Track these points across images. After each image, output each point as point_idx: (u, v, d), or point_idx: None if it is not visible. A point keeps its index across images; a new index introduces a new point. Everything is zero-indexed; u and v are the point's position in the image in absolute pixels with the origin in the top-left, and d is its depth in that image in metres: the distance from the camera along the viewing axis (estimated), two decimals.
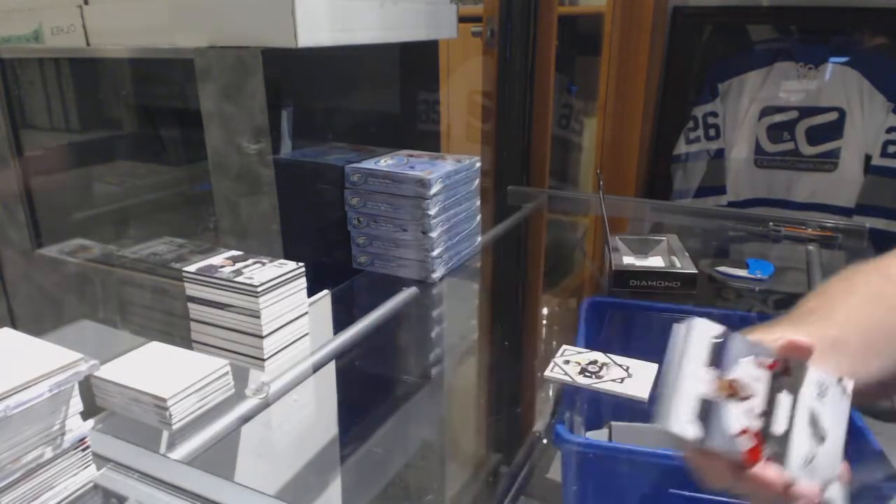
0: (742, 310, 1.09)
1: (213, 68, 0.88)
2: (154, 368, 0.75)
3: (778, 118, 1.67)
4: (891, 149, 1.56)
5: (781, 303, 1.13)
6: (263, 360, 0.77)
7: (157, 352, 0.80)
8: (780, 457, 0.38)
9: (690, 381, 0.37)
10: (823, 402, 0.40)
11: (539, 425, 1.32)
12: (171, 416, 0.70)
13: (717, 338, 0.38)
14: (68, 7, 0.89)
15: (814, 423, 0.40)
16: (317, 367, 0.83)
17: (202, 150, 0.94)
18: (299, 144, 1.01)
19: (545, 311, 1.48)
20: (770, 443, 0.38)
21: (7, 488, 0.54)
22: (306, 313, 0.82)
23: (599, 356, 0.83)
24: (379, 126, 1.23)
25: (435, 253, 0.95)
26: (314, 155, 1.02)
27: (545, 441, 1.22)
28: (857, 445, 0.62)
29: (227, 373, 0.77)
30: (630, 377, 0.78)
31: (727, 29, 1.73)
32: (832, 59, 1.60)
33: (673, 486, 0.71)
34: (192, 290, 0.79)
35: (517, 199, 1.50)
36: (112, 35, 0.89)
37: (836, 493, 0.39)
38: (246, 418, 0.78)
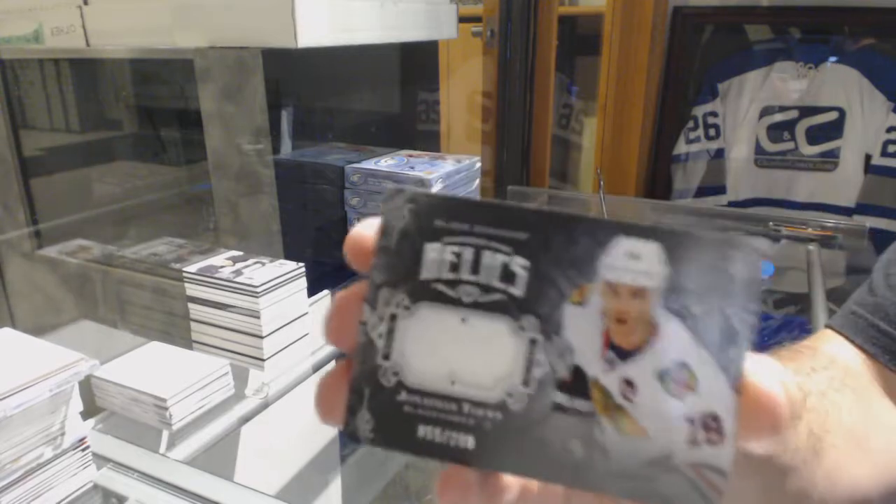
0: None
1: (213, 68, 0.89)
2: (154, 368, 0.75)
3: (778, 118, 1.67)
4: (891, 148, 1.56)
5: (781, 302, 1.13)
6: (263, 360, 0.77)
7: (157, 352, 0.80)
8: None
9: None
10: None
11: None
12: (171, 416, 0.70)
13: None
14: (68, 7, 0.89)
15: None
16: (317, 368, 0.83)
17: (202, 151, 0.94)
18: (299, 144, 1.02)
19: None
20: None
21: (7, 488, 0.54)
22: (306, 313, 0.82)
23: None
24: (379, 126, 1.23)
25: None
26: (314, 155, 1.02)
27: None
28: None
29: (227, 373, 0.77)
30: None
31: (727, 29, 1.73)
32: (832, 59, 1.60)
33: None
34: (192, 290, 0.79)
35: (517, 199, 1.50)
36: (112, 35, 0.89)
37: None
38: (246, 418, 0.79)
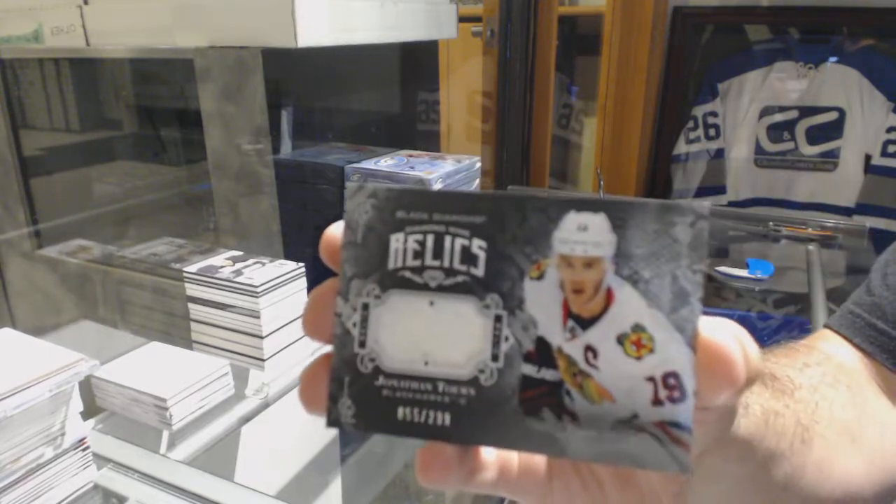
0: (742, 310, 1.09)
1: (213, 68, 0.89)
2: (154, 369, 0.75)
3: (778, 118, 1.67)
4: (891, 148, 1.56)
5: (781, 302, 1.13)
6: (263, 360, 0.77)
7: (157, 352, 0.80)
8: None
9: None
10: None
11: None
12: (171, 416, 0.70)
13: None
14: (68, 7, 0.89)
15: None
16: None
17: (202, 151, 0.94)
18: (299, 144, 1.02)
19: None
20: None
21: (7, 488, 0.54)
22: None
23: None
24: (379, 126, 1.23)
25: None
26: (314, 155, 1.02)
27: None
28: None
29: (227, 373, 0.77)
30: None
31: (727, 29, 1.73)
32: (832, 59, 1.60)
33: None
34: (192, 290, 0.79)
35: None
36: (112, 35, 0.89)
37: None
38: (246, 418, 0.79)
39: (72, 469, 0.59)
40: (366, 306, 0.20)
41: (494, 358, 0.19)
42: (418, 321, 0.19)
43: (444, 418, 0.19)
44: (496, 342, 0.19)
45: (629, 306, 0.18)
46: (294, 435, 0.88)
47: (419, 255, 0.20)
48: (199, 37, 0.82)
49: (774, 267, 1.16)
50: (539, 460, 0.23)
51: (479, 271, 0.19)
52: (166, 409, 0.70)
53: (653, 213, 0.18)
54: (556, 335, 0.19)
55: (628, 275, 0.18)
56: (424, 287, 0.19)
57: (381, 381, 0.19)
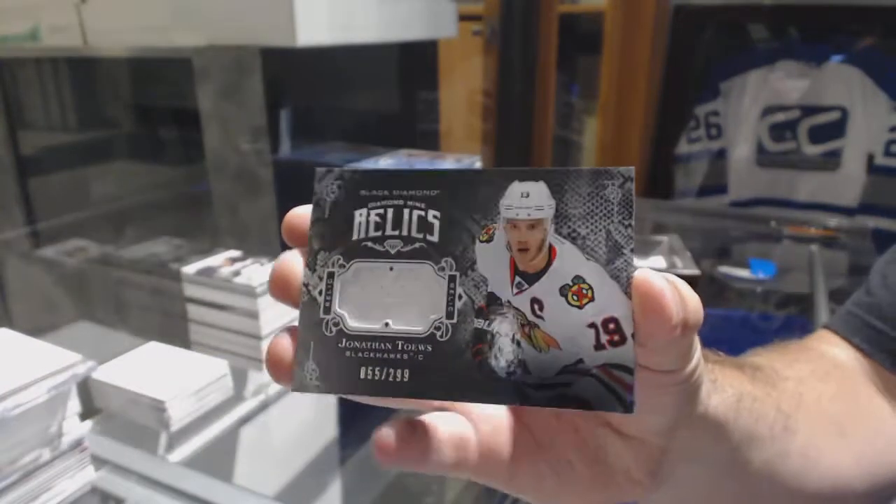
0: (743, 310, 1.08)
1: (212, 67, 0.88)
2: (152, 369, 0.75)
3: (780, 117, 1.66)
4: (894, 148, 1.55)
5: (783, 303, 1.13)
6: (262, 361, 0.77)
7: (155, 352, 0.79)
8: None
9: None
10: None
11: None
12: (169, 417, 0.70)
13: None
14: (66, 6, 0.88)
15: None
16: None
17: (200, 150, 0.94)
18: (298, 144, 1.01)
19: None
20: None
21: (5, 490, 0.53)
22: None
23: None
24: (378, 126, 1.23)
25: None
26: (313, 154, 1.02)
27: None
28: None
29: (225, 374, 0.76)
30: None
31: (729, 27, 1.72)
32: (834, 58, 1.59)
33: None
34: (190, 290, 0.79)
35: None
36: (110, 34, 0.88)
37: None
38: (245, 420, 0.78)
39: (70, 471, 0.58)
40: (331, 275, 0.21)
41: (449, 315, 0.20)
42: (380, 285, 0.21)
43: (403, 374, 0.20)
44: (451, 300, 0.20)
45: (569, 261, 0.20)
46: (293, 436, 0.88)
47: (380, 226, 0.21)
48: (198, 35, 0.82)
49: (776, 267, 1.15)
50: (501, 441, 0.24)
51: (435, 238, 0.21)
52: (164, 410, 0.69)
53: (586, 178, 0.20)
54: (505, 291, 0.20)
55: (567, 233, 0.20)
56: (385, 254, 0.21)
57: (344, 343, 0.20)
